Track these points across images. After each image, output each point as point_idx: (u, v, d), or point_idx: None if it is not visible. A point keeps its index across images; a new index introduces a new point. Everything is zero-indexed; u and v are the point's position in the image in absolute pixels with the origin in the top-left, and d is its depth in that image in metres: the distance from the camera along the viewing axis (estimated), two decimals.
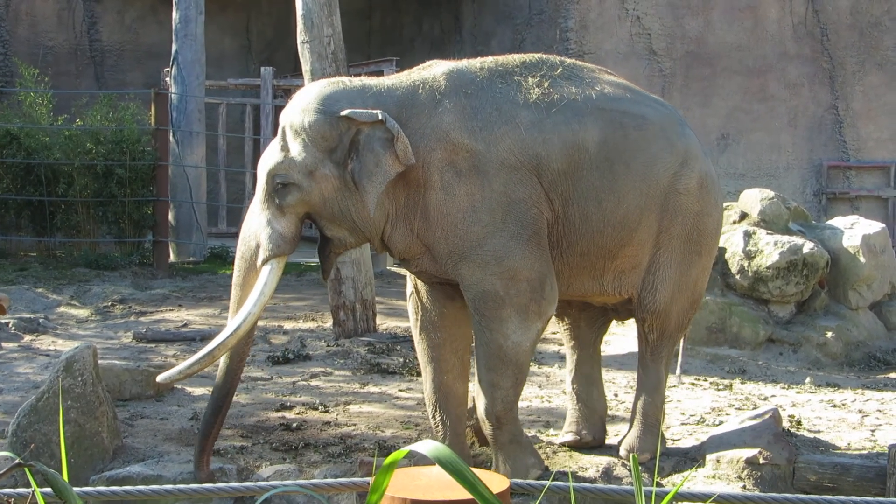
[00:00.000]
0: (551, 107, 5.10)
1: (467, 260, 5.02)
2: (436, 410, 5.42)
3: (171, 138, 12.71)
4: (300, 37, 7.91)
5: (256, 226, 5.05)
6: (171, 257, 12.86)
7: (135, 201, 12.56)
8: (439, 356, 5.38)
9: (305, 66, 8.32)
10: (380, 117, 4.82)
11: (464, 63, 5.27)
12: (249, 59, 15.66)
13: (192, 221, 13.24)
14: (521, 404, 5.55)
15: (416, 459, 4.88)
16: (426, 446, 1.45)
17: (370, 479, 2.26)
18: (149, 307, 10.45)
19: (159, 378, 5.17)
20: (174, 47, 13.01)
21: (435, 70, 5.18)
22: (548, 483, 2.34)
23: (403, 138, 4.83)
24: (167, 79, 13.24)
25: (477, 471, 2.32)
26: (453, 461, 1.41)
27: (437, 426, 5.41)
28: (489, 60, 5.29)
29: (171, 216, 12.87)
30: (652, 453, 5.59)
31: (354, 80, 5.26)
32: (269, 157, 5.03)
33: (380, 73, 14.35)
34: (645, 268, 5.41)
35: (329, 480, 2.57)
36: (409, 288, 5.49)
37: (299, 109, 4.98)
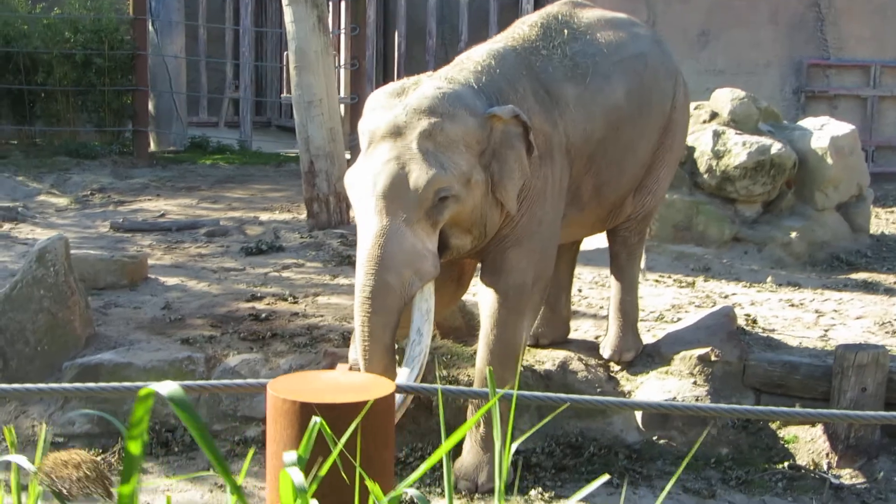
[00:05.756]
0: (584, 76, 5.02)
1: (519, 246, 4.77)
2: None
3: (149, 27, 12.61)
4: None
5: (411, 249, 4.26)
6: (151, 147, 12.85)
7: (114, 91, 12.52)
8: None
9: None
10: (515, 111, 4.49)
11: (502, 43, 4.98)
12: None
13: (173, 111, 13.23)
14: None
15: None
16: (165, 387, 1.51)
17: (268, 382, 2.33)
18: (128, 196, 10.48)
19: None
20: None
21: (495, 54, 4.82)
22: (438, 387, 2.41)
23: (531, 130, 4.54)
24: None
25: (363, 374, 2.39)
26: (184, 402, 1.47)
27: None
28: (516, 36, 5.05)
29: (150, 106, 12.83)
30: (636, 352, 5.74)
31: (446, 76, 4.67)
32: (420, 171, 4.25)
33: None
34: (643, 182, 5.53)
35: (227, 382, 2.64)
36: None
37: (441, 116, 4.35)
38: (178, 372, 5.45)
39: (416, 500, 1.78)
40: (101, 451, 5.12)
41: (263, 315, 6.24)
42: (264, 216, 9.49)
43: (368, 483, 1.89)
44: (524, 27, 5.13)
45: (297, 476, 1.70)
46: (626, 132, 5.20)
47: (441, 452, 1.72)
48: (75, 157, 11.98)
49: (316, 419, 1.89)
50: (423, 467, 1.73)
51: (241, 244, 8.23)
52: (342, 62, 13.78)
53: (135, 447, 1.48)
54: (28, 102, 12.65)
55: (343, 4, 14.10)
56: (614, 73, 5.14)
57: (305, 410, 2.15)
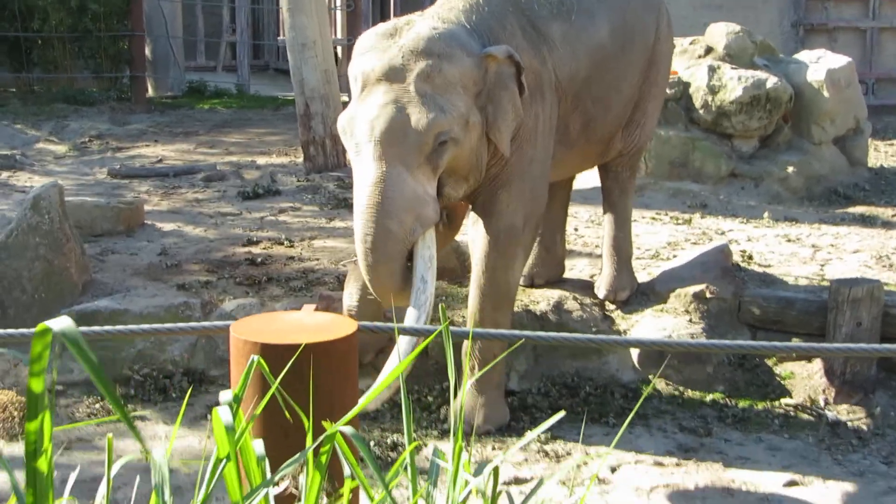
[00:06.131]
0: (569, 14, 4.96)
1: (509, 187, 4.72)
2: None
3: None
4: None
5: (412, 195, 4.16)
6: (149, 92, 12.88)
7: (110, 36, 12.54)
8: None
9: None
10: (509, 52, 4.39)
11: None
12: None
13: (169, 56, 13.23)
14: None
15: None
16: (59, 323, 1.50)
17: (231, 324, 2.32)
18: (125, 143, 10.51)
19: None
20: None
21: None
22: (395, 326, 2.40)
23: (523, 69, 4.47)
24: None
25: (327, 315, 2.38)
26: (76, 339, 1.45)
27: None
28: None
29: (147, 51, 12.85)
30: (631, 290, 5.74)
31: (438, 15, 4.55)
32: (419, 113, 4.16)
33: None
34: (633, 116, 5.51)
35: (193, 325, 2.64)
36: None
37: (438, 56, 4.26)
38: (174, 317, 5.42)
39: (353, 439, 1.78)
40: (99, 397, 5.14)
41: (259, 259, 6.26)
42: (262, 160, 9.50)
43: (302, 417, 1.89)
44: None
45: (227, 415, 1.71)
46: (611, 69, 5.16)
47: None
48: (73, 104, 12.01)
49: (254, 357, 1.88)
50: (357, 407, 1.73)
51: (238, 189, 8.25)
52: (338, 4, 13.69)
53: (36, 384, 1.48)
54: (25, 50, 12.65)
55: None
56: (598, 10, 5.10)
57: (266, 351, 2.14)
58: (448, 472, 1.85)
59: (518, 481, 4.40)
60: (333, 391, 2.00)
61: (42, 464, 1.56)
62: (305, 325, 2.33)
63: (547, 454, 4.65)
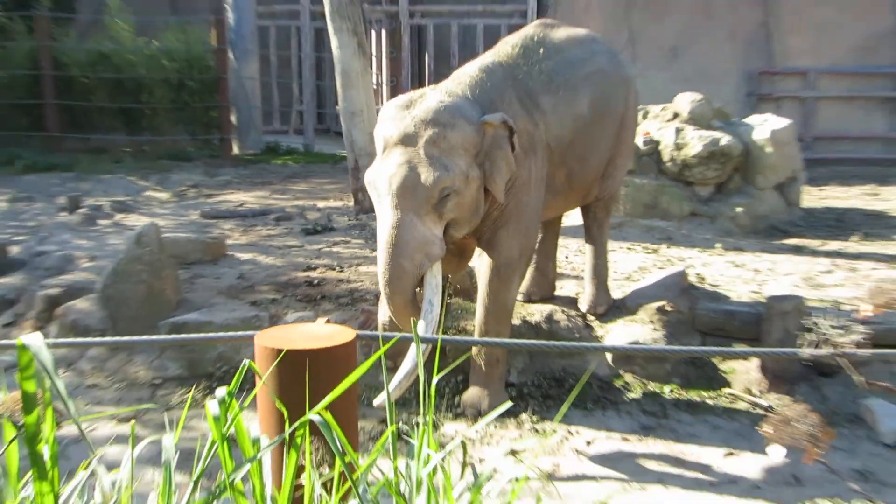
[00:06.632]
0: (558, 89, 4.94)
1: (507, 227, 4.73)
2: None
3: (230, 56, 12.75)
4: None
5: (421, 238, 4.20)
6: (234, 150, 12.98)
7: (203, 107, 12.67)
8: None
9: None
10: (504, 118, 4.41)
11: (490, 59, 4.88)
12: None
13: (251, 122, 13.35)
14: None
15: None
16: (31, 339, 1.57)
17: (256, 333, 2.29)
18: (214, 190, 10.60)
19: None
20: None
21: (485, 69, 4.75)
22: (415, 337, 2.44)
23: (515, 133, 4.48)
24: (227, 6, 13.22)
25: (333, 326, 2.42)
26: (37, 350, 1.53)
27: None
28: (501, 53, 4.96)
29: (233, 118, 12.96)
30: (608, 305, 5.77)
31: (447, 90, 4.57)
32: (427, 172, 4.19)
33: (394, 2, 14.26)
34: (607, 169, 5.49)
35: (222, 335, 2.69)
36: None
37: (443, 125, 4.28)
38: (247, 327, 5.45)
39: (320, 427, 1.78)
40: (188, 389, 5.25)
41: (316, 282, 6.29)
42: (321, 204, 9.59)
43: (282, 408, 1.93)
44: (507, 47, 5.04)
45: (214, 408, 1.77)
46: (590, 134, 5.15)
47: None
48: (174, 161, 12.16)
49: (246, 361, 1.92)
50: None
51: (302, 226, 8.31)
52: (385, 80, 13.82)
53: (28, 385, 1.53)
54: (137, 118, 12.82)
55: (384, 33, 14.15)
56: (580, 87, 5.08)
57: (286, 356, 2.14)
58: (416, 450, 1.86)
59: (514, 452, 4.47)
60: (333, 387, 1.92)
61: (40, 448, 1.59)
62: (316, 334, 2.29)
63: (537, 431, 4.71)
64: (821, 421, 1.42)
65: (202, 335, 3.29)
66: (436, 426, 4.30)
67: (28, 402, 1.54)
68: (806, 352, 2.29)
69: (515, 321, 5.37)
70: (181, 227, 8.27)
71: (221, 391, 1.82)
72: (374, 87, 12.33)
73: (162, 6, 15.83)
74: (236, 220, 8.82)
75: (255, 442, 1.80)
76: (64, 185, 10.87)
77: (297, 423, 1.80)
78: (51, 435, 1.64)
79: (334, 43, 8.45)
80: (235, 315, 5.67)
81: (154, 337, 3.03)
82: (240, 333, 2.59)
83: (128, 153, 12.73)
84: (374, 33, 14.75)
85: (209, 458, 1.79)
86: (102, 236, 8.00)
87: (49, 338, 5.97)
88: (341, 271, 6.63)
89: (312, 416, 1.80)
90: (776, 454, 3.82)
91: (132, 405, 5.09)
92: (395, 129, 4.31)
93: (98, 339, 5.32)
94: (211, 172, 11.78)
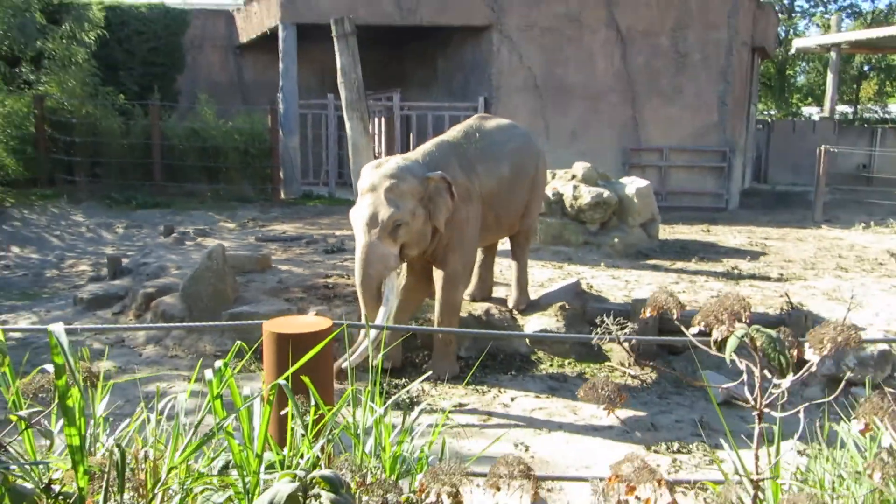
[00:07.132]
0: (488, 160, 4.90)
1: (453, 251, 4.65)
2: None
3: (279, 132, 12.57)
4: (339, 78, 7.73)
5: (381, 254, 4.24)
6: (281, 196, 12.78)
7: (261, 166, 12.49)
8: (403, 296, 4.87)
9: (343, 94, 8.18)
10: (442, 175, 4.40)
11: (442, 139, 4.83)
12: (324, 88, 15.28)
13: (293, 176, 13.15)
14: None
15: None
16: (55, 328, 1.44)
17: (265, 322, 2.20)
18: (266, 223, 10.39)
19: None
20: (281, 82, 12.74)
21: (437, 145, 4.73)
22: (366, 325, 2.32)
23: (453, 185, 4.46)
24: (278, 97, 13.03)
25: (317, 317, 2.29)
26: (58, 337, 1.40)
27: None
28: (450, 135, 4.89)
29: (280, 174, 12.78)
30: (526, 304, 5.64)
31: (406, 157, 4.57)
32: (384, 210, 4.24)
33: (389, 99, 14.15)
34: (524, 212, 5.39)
35: (239, 323, 2.54)
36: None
37: (399, 178, 4.31)
38: (283, 316, 5.30)
39: (284, 389, 1.70)
40: (240, 359, 5.05)
41: (331, 285, 6.14)
42: (338, 232, 9.38)
43: (263, 379, 1.81)
44: (454, 131, 5.01)
45: (209, 374, 1.66)
46: (510, 189, 5.08)
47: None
48: (240, 202, 11.92)
49: (238, 341, 1.84)
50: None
51: (324, 248, 8.13)
52: (383, 151, 13.66)
53: (58, 359, 1.44)
54: (215, 173, 12.62)
55: (383, 119, 14.02)
56: (504, 159, 5.03)
57: (278, 338, 2.08)
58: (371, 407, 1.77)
59: (461, 406, 4.33)
60: (316, 364, 1.91)
61: (70, 401, 1.49)
62: (308, 323, 2.25)
63: (477, 391, 4.57)
64: (616, 387, 1.33)
65: (242, 322, 3.14)
66: (405, 386, 4.15)
67: (59, 371, 1.46)
68: (595, 337, 2.15)
69: (463, 314, 5.23)
70: (241, 247, 8.06)
71: (217, 363, 1.73)
72: (375, 155, 12.19)
73: (235, 99, 15.64)
74: (279, 243, 8.60)
75: (246, 398, 1.70)
76: (163, 218, 10.67)
77: (274, 381, 1.71)
78: (77, 394, 1.52)
79: (348, 126, 8.25)
80: (274, 308, 5.53)
81: (217, 323, 2.87)
82: (256, 322, 2.46)
83: (208, 196, 12.50)
84: (376, 119, 14.67)
85: (207, 407, 1.63)
86: (187, 252, 7.79)
87: (145, 323, 5.77)
88: (348, 278, 6.43)
89: (281, 381, 1.68)
90: (591, 409, 3.73)
91: (199, 371, 4.88)
92: (366, 181, 4.37)
93: (179, 324, 5.16)
94: (264, 210, 11.57)
